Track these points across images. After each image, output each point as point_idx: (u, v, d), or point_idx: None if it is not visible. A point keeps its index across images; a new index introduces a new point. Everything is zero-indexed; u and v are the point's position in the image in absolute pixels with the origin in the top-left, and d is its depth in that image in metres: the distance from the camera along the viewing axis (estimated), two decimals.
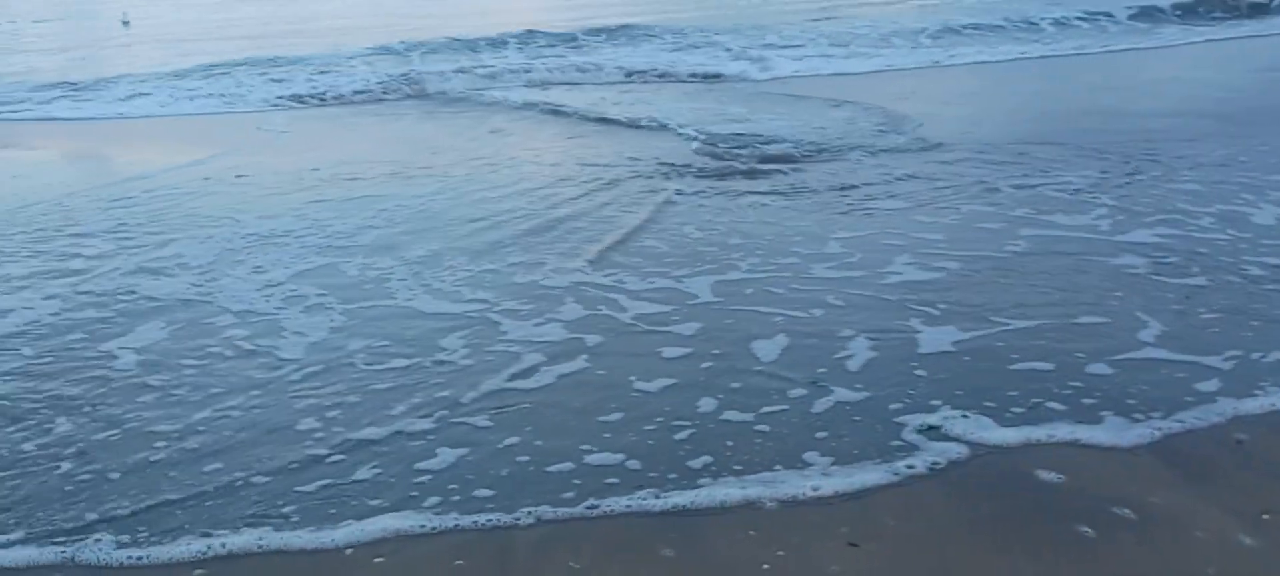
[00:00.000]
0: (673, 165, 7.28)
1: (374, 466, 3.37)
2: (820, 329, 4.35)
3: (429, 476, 3.31)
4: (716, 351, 4.17)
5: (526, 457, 3.40)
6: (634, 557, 2.87)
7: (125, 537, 3.01)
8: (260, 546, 2.95)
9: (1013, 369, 3.91)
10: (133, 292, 5.08)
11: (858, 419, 3.61)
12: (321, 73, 11.98)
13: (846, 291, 4.74)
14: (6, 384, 4.09)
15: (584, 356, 4.15)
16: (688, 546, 2.91)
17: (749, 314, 4.54)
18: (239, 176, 7.59)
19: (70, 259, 5.66)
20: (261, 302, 4.89)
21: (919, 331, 4.27)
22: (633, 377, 3.95)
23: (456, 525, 3.04)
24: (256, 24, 16.60)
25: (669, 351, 4.19)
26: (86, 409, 3.85)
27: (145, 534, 3.03)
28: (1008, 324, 4.30)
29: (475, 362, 4.12)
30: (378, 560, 2.89)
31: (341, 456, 3.44)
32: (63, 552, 2.96)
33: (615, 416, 3.66)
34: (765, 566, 2.79)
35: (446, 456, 3.42)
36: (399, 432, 3.58)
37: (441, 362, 4.13)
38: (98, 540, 3.00)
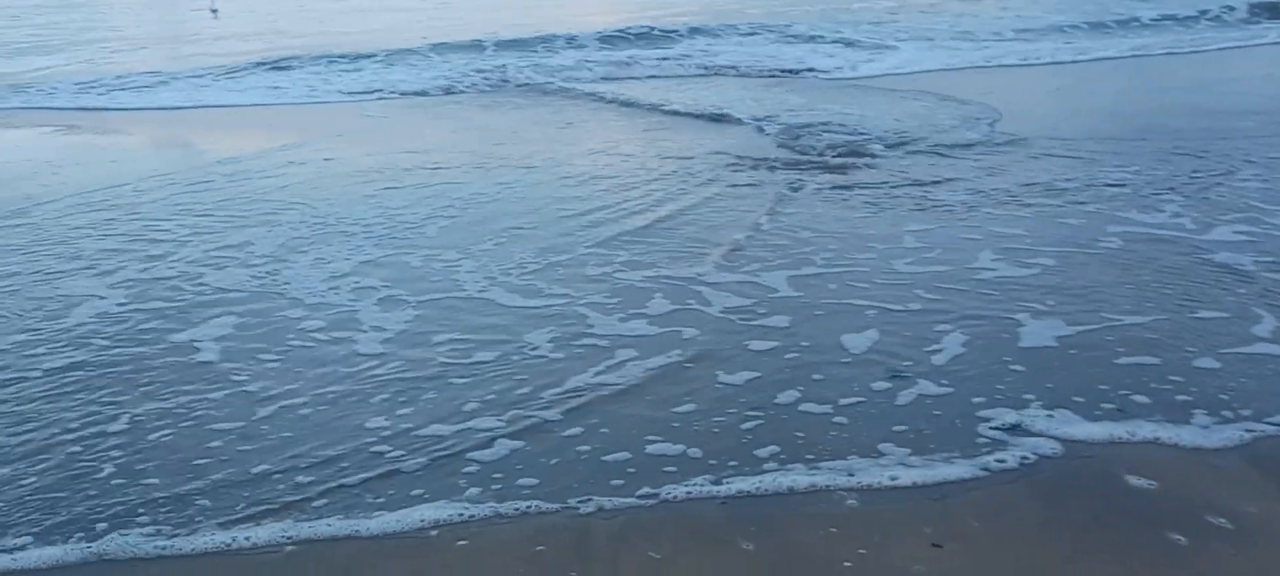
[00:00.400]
0: (748, 158, 7.24)
1: (462, 451, 3.41)
2: (913, 322, 4.32)
3: (515, 462, 3.34)
4: (806, 343, 4.16)
5: (599, 447, 3.42)
6: (713, 549, 2.87)
7: (215, 522, 3.10)
8: (351, 532, 3.01)
9: (1115, 364, 3.86)
10: (201, 281, 5.10)
11: (939, 412, 3.58)
12: (405, 65, 12.12)
13: (939, 285, 4.70)
14: (80, 371, 4.12)
15: (676, 350, 4.13)
16: (766, 540, 2.90)
17: (839, 306, 4.52)
18: (327, 159, 7.75)
19: (148, 244, 5.73)
20: (331, 292, 4.91)
21: (1022, 325, 4.23)
22: (719, 372, 3.94)
23: (538, 509, 3.07)
24: (340, 17, 16.90)
25: (757, 344, 4.17)
26: (157, 398, 3.87)
27: (238, 516, 3.10)
28: (1118, 319, 4.24)
29: (565, 356, 4.12)
30: (461, 543, 2.93)
31: (430, 443, 3.49)
32: (152, 537, 3.02)
33: (690, 407, 3.67)
34: (847, 564, 2.77)
35: (530, 445, 3.45)
36: (477, 421, 3.62)
37: (529, 356, 4.14)
38: (194, 523, 3.08)
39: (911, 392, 3.73)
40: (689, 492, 3.14)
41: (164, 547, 2.95)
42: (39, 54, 13.73)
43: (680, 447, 3.39)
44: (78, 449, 3.50)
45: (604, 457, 3.35)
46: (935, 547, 2.85)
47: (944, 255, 5.10)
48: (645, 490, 3.16)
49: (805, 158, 7.24)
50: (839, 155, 7.25)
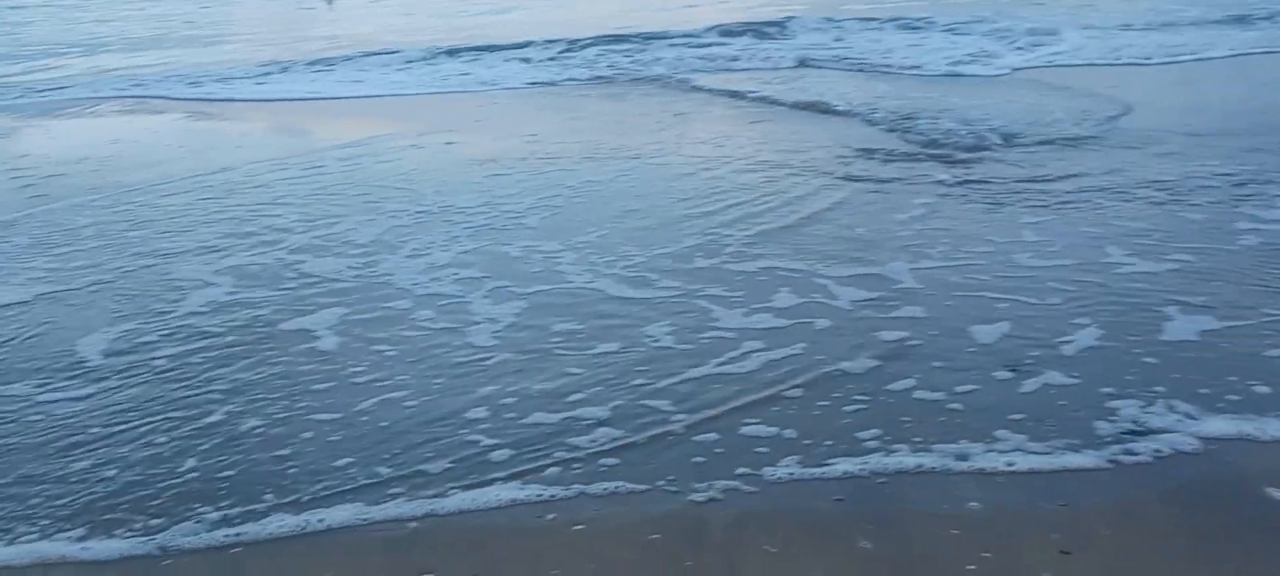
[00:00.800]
0: (862, 150, 7.12)
1: (585, 438, 3.44)
2: (1045, 314, 4.24)
3: (631, 448, 3.35)
4: (934, 333, 4.12)
5: (715, 437, 3.41)
6: (829, 546, 2.83)
7: (354, 505, 3.17)
8: (476, 503, 3.07)
9: (1264, 359, 3.74)
10: (307, 268, 5.15)
11: (1064, 402, 3.52)
12: (519, 59, 12.18)
13: (1074, 278, 4.60)
14: (186, 361, 4.17)
15: (802, 343, 4.08)
16: (885, 538, 2.84)
17: (967, 298, 4.45)
18: (449, 143, 7.90)
19: (258, 229, 5.85)
20: (434, 282, 4.91)
21: (1166, 319, 4.12)
22: (843, 362, 3.91)
23: (650, 494, 3.07)
24: (452, 12, 17.17)
25: (886, 335, 4.13)
26: (258, 390, 3.91)
27: (311, 499, 3.17)
28: (1273, 314, 4.10)
29: (690, 347, 4.10)
30: (577, 528, 2.95)
31: (530, 432, 3.53)
32: (218, 526, 3.07)
33: (811, 397, 3.64)
34: (970, 567, 2.70)
35: (642, 435, 3.45)
36: (582, 411, 3.64)
37: (650, 348, 4.13)
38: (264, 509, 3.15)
39: (1036, 381, 3.66)
40: (792, 474, 3.16)
41: (232, 535, 2.99)
42: (160, 46, 14.28)
43: (792, 433, 3.38)
44: (164, 439, 3.55)
45: (718, 449, 3.34)
46: (1063, 554, 2.75)
47: (1071, 249, 4.96)
48: (747, 472, 3.17)
49: (921, 150, 7.08)
50: (956, 148, 7.07)
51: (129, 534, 3.01)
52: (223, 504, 3.15)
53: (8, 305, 4.78)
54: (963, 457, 3.20)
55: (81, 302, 4.82)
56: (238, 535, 3.00)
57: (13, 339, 4.44)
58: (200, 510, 3.12)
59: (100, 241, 5.69)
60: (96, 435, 3.59)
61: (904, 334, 4.12)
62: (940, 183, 6.23)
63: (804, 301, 4.50)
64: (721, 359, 3.97)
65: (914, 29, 12.99)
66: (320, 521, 3.04)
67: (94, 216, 6.20)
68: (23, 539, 3.01)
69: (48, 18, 18.32)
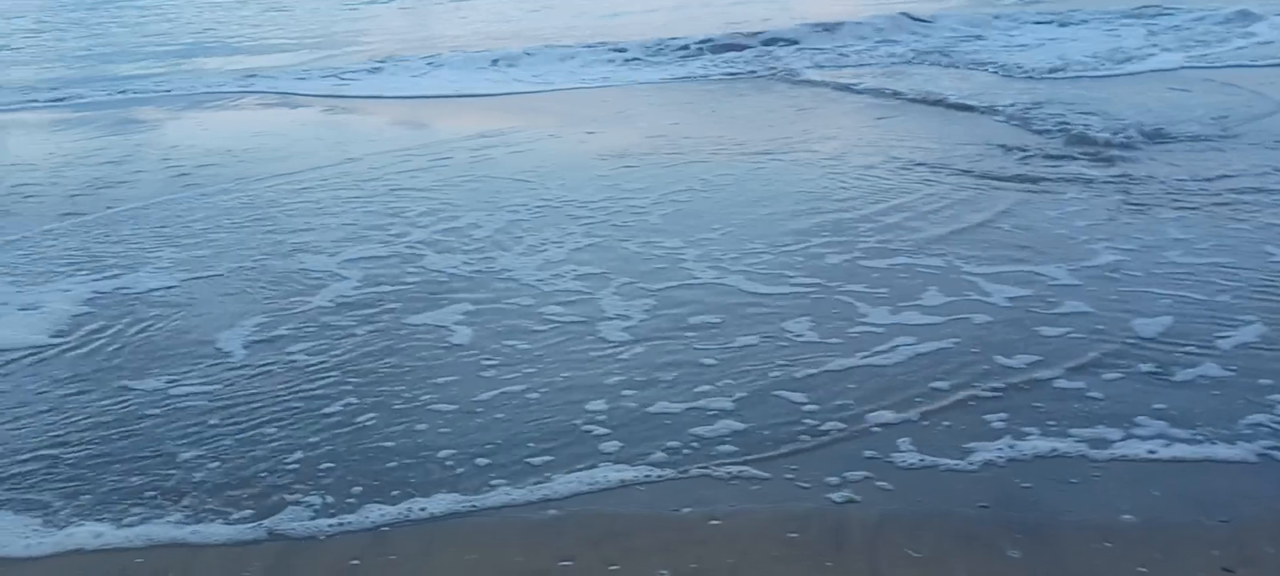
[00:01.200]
0: (997, 146, 6.92)
1: (725, 431, 3.42)
2: (1208, 310, 4.15)
3: (772, 442, 3.33)
4: (1100, 328, 4.05)
5: (859, 431, 3.38)
6: (976, 554, 2.74)
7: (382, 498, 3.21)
8: (612, 494, 3.08)
9: None
10: (431, 262, 5.18)
11: (1218, 393, 3.46)
12: (649, 58, 12.12)
13: (1238, 273, 4.50)
14: (318, 355, 4.19)
15: (954, 338, 4.02)
16: (1035, 549, 2.74)
17: (1128, 294, 4.35)
18: (590, 132, 8.05)
19: (386, 221, 5.94)
20: (556, 277, 4.90)
21: None
22: (1000, 358, 3.85)
23: (789, 488, 3.05)
24: (581, 7, 17.38)
25: (1046, 331, 4.05)
26: (379, 385, 3.88)
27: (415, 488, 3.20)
28: None
29: (837, 342, 4.05)
30: (713, 522, 2.93)
31: (658, 424, 3.53)
32: (315, 517, 3.08)
33: (957, 389, 3.62)
34: None
35: (784, 430, 3.41)
36: (710, 402, 3.62)
37: (794, 342, 4.08)
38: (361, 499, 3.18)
39: (1190, 373, 3.60)
40: (923, 460, 3.17)
41: (333, 525, 3.01)
42: (296, 49, 14.78)
43: (943, 432, 3.30)
44: (272, 430, 3.57)
45: (866, 449, 3.28)
46: (1227, 573, 2.62)
47: (1230, 248, 4.78)
48: (886, 465, 3.15)
49: (1064, 147, 6.85)
50: (1096, 145, 6.81)
51: (238, 520, 3.06)
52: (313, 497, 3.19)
53: (154, 289, 5.00)
54: (1102, 444, 3.21)
55: (220, 289, 4.97)
56: (335, 526, 3.02)
57: (154, 322, 4.59)
58: (315, 497, 3.16)
59: (239, 231, 5.89)
60: (213, 423, 3.65)
61: (1066, 330, 4.03)
62: (1087, 181, 6.02)
63: (955, 299, 4.40)
64: (867, 352, 3.93)
65: (1056, 26, 12.53)
66: (471, 505, 3.07)
67: (236, 203, 6.45)
68: (134, 521, 3.07)
69: (190, 22, 19.20)
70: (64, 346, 4.39)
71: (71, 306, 4.78)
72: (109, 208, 6.48)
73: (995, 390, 3.59)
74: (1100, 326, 4.05)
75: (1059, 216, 5.41)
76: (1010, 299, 4.37)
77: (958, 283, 4.58)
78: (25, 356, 4.30)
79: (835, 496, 3.01)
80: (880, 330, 4.13)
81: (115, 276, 5.17)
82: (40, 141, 9.32)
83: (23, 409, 3.83)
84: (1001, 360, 3.81)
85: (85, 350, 4.33)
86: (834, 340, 4.07)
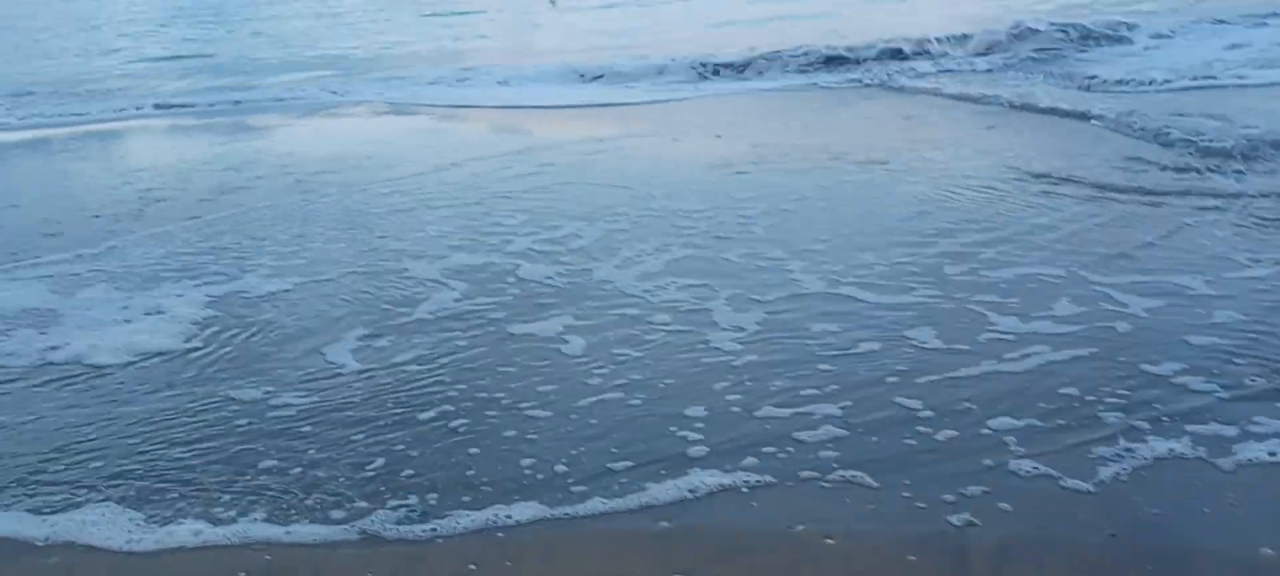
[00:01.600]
0: (1110, 157, 6.61)
1: (846, 442, 3.31)
2: None
3: (895, 455, 3.21)
4: (1248, 336, 3.85)
5: (982, 446, 3.21)
6: None
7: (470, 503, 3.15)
8: (729, 507, 2.96)
9: None
10: (531, 273, 5.11)
11: None
12: (752, 70, 12.03)
13: None
14: (409, 366, 4.14)
15: (1090, 347, 3.85)
16: None
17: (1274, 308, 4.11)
18: (718, 135, 8.02)
19: (485, 229, 5.91)
20: (660, 288, 4.82)
21: None
22: (1144, 365, 3.68)
23: (905, 509, 2.90)
24: (677, 18, 17.34)
25: (1196, 339, 3.85)
26: (476, 394, 3.84)
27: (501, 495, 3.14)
28: None
29: (970, 348, 3.92)
30: (829, 542, 2.78)
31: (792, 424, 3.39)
32: (408, 521, 3.04)
33: (1084, 392, 3.48)
34: None
35: (904, 447, 3.27)
36: (817, 407, 3.48)
37: (923, 350, 3.95)
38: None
39: None
40: (1035, 467, 3.05)
41: (427, 530, 2.97)
42: (404, 62, 15.05)
43: (1047, 432, 3.08)
44: (371, 436, 3.55)
45: (985, 459, 3.12)
46: None
47: None
48: (1006, 473, 2.98)
49: (1184, 158, 6.48)
50: (1222, 155, 6.41)
51: (332, 520, 3.05)
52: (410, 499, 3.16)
53: (267, 294, 5.06)
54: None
55: (327, 293, 5.01)
56: (429, 531, 2.99)
57: (264, 329, 4.63)
58: (413, 498, 3.14)
59: (350, 234, 5.97)
60: (311, 426, 3.66)
61: (1213, 339, 3.83)
62: (1211, 193, 5.67)
63: (1088, 309, 4.19)
64: (996, 360, 3.80)
65: (1164, 36, 11.94)
66: (574, 511, 3.01)
67: (349, 209, 6.54)
68: (229, 520, 3.09)
69: (297, 37, 19.80)
70: (181, 352, 4.43)
71: (192, 310, 4.87)
72: (227, 213, 6.63)
73: (1120, 398, 3.43)
74: (1250, 335, 3.85)
75: (1182, 226, 5.15)
76: (1148, 309, 4.17)
77: (1087, 294, 4.36)
78: (148, 359, 4.36)
79: (954, 518, 2.83)
80: (1011, 338, 3.96)
81: (231, 281, 5.26)
82: (167, 148, 9.70)
83: (133, 410, 3.89)
84: (1147, 368, 3.64)
85: (200, 355, 4.39)
86: (961, 346, 3.90)
